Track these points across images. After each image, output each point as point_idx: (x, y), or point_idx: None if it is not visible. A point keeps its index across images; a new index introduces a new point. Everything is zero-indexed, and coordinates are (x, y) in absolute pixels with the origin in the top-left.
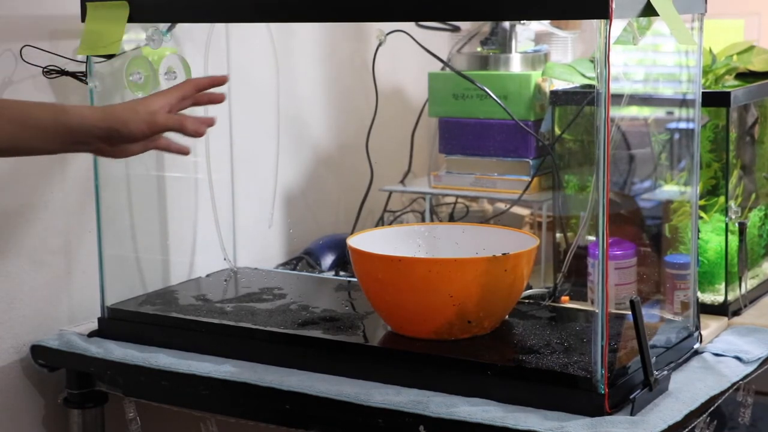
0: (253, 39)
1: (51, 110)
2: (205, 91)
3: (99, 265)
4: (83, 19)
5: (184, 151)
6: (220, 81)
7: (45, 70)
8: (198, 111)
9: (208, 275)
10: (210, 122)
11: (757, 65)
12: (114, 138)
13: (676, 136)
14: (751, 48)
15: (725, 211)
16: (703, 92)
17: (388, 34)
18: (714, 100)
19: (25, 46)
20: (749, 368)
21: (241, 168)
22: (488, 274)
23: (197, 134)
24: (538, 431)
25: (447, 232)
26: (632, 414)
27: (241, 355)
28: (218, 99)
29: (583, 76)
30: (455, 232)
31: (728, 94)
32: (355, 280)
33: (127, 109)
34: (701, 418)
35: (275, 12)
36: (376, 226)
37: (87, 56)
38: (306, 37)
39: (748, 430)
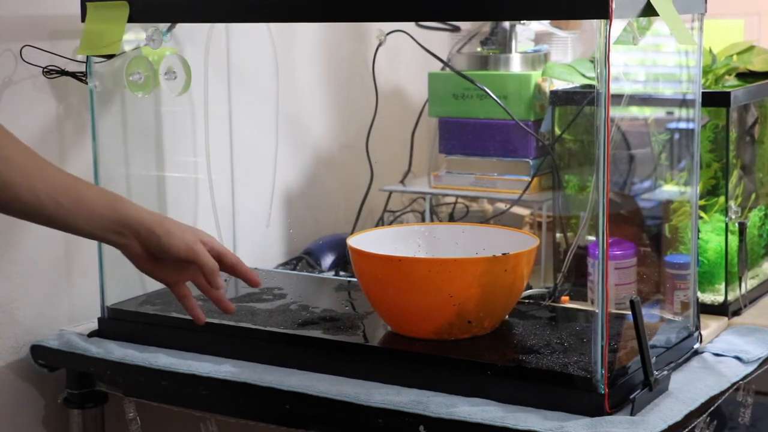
0: (253, 39)
1: (106, 196)
2: (237, 274)
3: (99, 265)
4: (83, 19)
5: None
6: (253, 283)
7: (45, 70)
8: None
9: None
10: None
11: (757, 65)
12: (150, 243)
13: (676, 136)
14: (751, 48)
15: (725, 211)
16: (703, 92)
17: (388, 34)
18: (714, 100)
19: (25, 46)
20: (749, 368)
21: (240, 168)
22: (488, 274)
23: (213, 295)
24: (538, 431)
25: (447, 232)
26: (632, 414)
27: (241, 355)
28: (251, 282)
29: (583, 76)
30: (455, 232)
31: (728, 94)
32: (355, 280)
33: (178, 224)
34: (701, 418)
35: (275, 12)
36: (376, 226)
37: (87, 56)
38: (306, 37)
39: (748, 430)
